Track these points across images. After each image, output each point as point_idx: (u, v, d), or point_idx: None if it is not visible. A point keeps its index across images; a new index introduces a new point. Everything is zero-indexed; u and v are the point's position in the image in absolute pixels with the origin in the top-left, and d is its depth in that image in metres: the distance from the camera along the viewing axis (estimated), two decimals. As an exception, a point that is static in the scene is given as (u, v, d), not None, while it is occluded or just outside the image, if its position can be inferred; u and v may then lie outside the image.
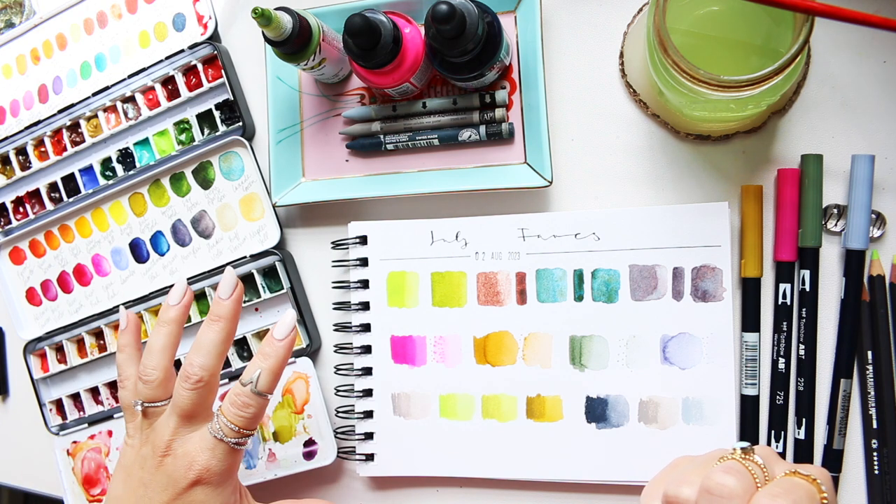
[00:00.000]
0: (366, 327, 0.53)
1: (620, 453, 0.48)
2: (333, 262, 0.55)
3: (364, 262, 0.53)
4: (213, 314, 0.45)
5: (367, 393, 0.53)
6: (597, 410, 0.49)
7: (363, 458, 0.52)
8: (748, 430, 0.47)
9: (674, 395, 0.47)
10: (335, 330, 0.54)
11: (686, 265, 0.47)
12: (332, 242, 0.54)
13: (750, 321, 0.47)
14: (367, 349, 0.53)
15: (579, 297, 0.49)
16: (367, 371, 0.53)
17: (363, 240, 0.53)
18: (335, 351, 0.54)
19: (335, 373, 0.53)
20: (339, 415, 0.53)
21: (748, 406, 0.47)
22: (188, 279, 0.57)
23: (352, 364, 0.53)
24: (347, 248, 0.54)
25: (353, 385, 0.53)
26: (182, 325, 0.47)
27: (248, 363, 0.45)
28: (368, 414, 0.53)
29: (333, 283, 0.54)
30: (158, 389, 0.45)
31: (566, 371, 0.49)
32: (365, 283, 0.53)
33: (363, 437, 0.53)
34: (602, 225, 0.48)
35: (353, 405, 0.53)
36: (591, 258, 0.49)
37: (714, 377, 0.47)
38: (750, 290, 0.47)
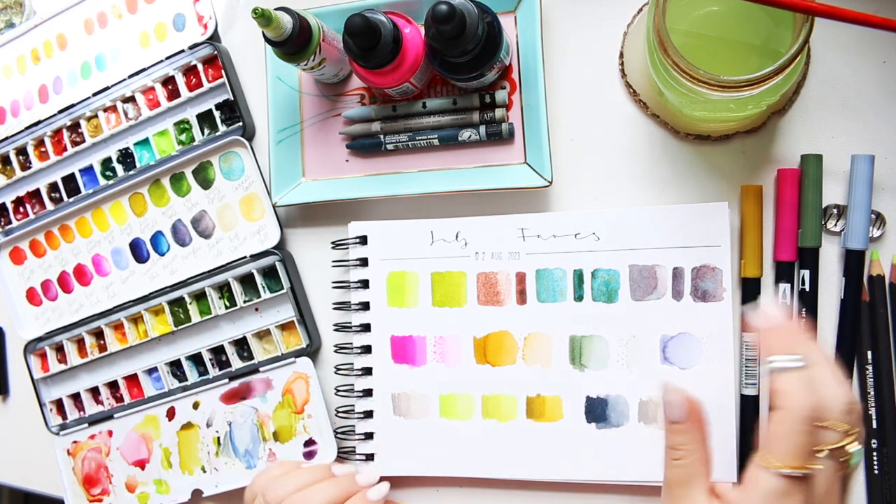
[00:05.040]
0: (366, 327, 0.53)
1: (620, 453, 0.48)
2: (333, 262, 0.55)
3: (364, 262, 0.53)
4: None
5: (367, 393, 0.53)
6: (597, 410, 0.49)
7: (363, 458, 0.52)
8: (748, 430, 0.47)
9: None
10: (335, 330, 0.54)
11: (686, 265, 0.47)
12: (332, 242, 0.54)
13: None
14: (367, 349, 0.53)
15: (579, 297, 0.49)
16: (367, 371, 0.53)
17: (363, 240, 0.53)
18: (335, 351, 0.54)
19: (335, 373, 0.53)
20: (340, 415, 0.53)
21: (748, 406, 0.47)
22: (188, 279, 0.57)
23: (352, 364, 0.53)
24: (347, 248, 0.54)
25: (353, 385, 0.53)
26: None
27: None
28: (368, 414, 0.53)
29: (333, 283, 0.54)
30: None
31: (566, 371, 0.49)
32: (365, 283, 0.53)
33: (363, 437, 0.53)
34: (602, 225, 0.48)
35: (353, 405, 0.53)
36: (591, 258, 0.49)
37: (714, 377, 0.47)
38: (750, 290, 0.47)
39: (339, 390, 0.53)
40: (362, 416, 0.53)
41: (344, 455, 0.53)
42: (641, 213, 0.48)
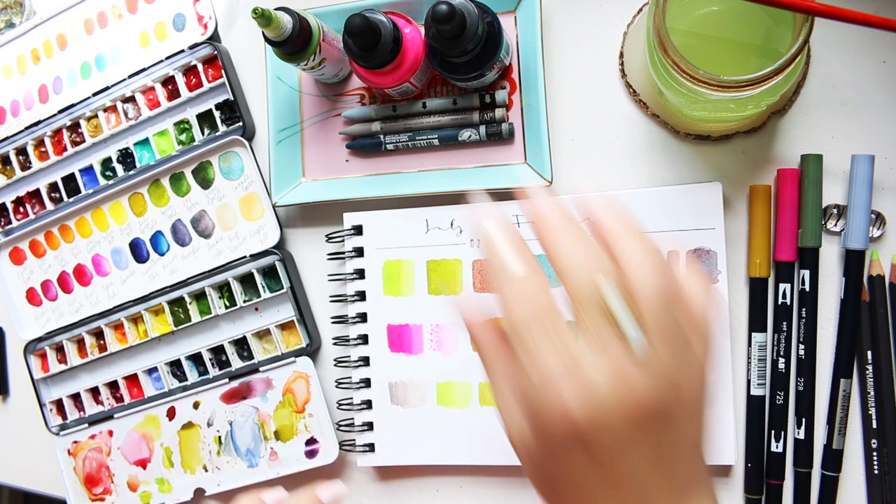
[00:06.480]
0: (362, 317, 0.53)
1: None
2: (329, 254, 0.54)
3: (360, 251, 0.53)
4: None
5: (366, 383, 0.53)
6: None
7: (364, 449, 0.52)
8: (753, 430, 0.47)
9: None
10: (333, 322, 0.54)
11: (681, 249, 0.47)
12: (327, 235, 0.54)
13: (758, 321, 0.47)
14: (364, 339, 0.53)
15: (575, 282, 0.49)
16: (365, 361, 0.53)
17: (358, 230, 0.53)
18: (334, 343, 0.54)
19: (335, 365, 0.53)
20: (342, 408, 0.53)
21: (755, 407, 0.47)
22: (188, 279, 0.57)
23: (350, 356, 0.53)
24: (343, 241, 0.54)
25: (351, 377, 0.53)
26: None
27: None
28: (367, 404, 0.53)
29: (329, 276, 0.54)
30: None
31: None
32: (361, 273, 0.53)
33: (364, 427, 0.53)
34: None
35: (353, 397, 0.53)
36: None
37: None
38: (758, 290, 0.47)
39: (339, 383, 0.53)
40: (361, 406, 0.53)
41: (348, 448, 0.53)
42: (635, 196, 0.48)
